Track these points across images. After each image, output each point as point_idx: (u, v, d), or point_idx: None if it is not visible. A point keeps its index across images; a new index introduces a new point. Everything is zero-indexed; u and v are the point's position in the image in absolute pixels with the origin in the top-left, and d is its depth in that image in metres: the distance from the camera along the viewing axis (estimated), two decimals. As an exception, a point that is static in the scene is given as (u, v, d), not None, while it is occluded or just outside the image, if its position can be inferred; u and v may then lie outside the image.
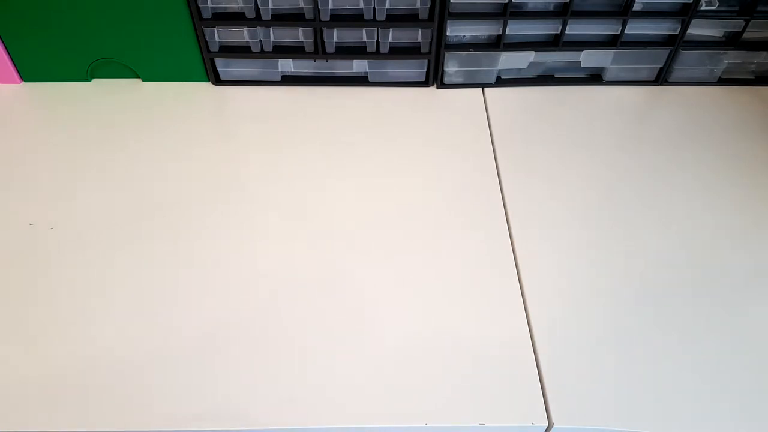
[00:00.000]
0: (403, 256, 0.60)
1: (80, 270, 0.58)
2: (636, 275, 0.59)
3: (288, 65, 0.77)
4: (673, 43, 0.75)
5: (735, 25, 0.74)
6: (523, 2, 0.71)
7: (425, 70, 0.77)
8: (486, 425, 0.49)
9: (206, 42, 0.73)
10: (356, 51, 0.75)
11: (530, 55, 0.76)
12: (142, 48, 0.75)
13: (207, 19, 0.71)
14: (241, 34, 0.72)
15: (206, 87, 0.78)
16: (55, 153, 0.69)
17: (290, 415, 0.49)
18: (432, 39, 0.73)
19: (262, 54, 0.75)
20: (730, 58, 0.77)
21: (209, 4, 0.70)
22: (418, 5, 0.70)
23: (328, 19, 0.71)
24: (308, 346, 0.53)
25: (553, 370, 0.51)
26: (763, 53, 0.76)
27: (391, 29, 0.72)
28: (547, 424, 0.49)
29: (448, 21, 0.71)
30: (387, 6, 0.70)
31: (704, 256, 0.60)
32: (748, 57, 0.77)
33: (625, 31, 0.73)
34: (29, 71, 0.77)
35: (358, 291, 0.57)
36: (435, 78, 0.78)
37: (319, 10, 0.70)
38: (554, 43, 0.74)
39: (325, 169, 0.68)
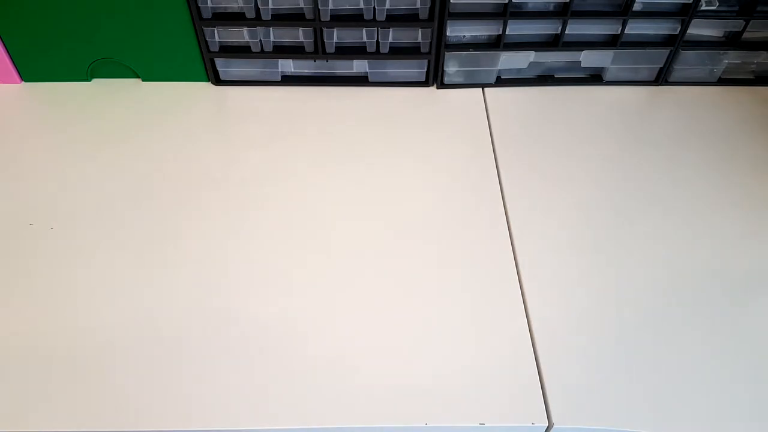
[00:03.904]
0: (402, 256, 0.60)
1: (80, 270, 0.58)
2: (636, 275, 0.59)
3: (288, 65, 0.77)
4: (673, 43, 0.75)
5: (735, 25, 0.74)
6: (523, 2, 0.71)
7: (425, 70, 0.77)
8: (486, 425, 0.49)
9: (206, 42, 0.73)
10: (356, 51, 0.75)
11: (530, 55, 0.76)
12: (142, 48, 0.75)
13: (207, 19, 0.71)
14: (241, 34, 0.72)
15: (206, 87, 0.78)
16: (56, 153, 0.69)
17: (290, 415, 0.49)
18: (432, 39, 0.73)
19: (262, 54, 0.75)
20: (730, 58, 0.77)
21: (209, 4, 0.70)
22: (418, 5, 0.70)
23: (328, 19, 0.71)
24: (307, 346, 0.53)
25: (553, 370, 0.51)
26: (763, 53, 0.76)
27: (391, 29, 0.72)
28: (547, 424, 0.49)
29: (448, 21, 0.71)
30: (387, 6, 0.70)
31: (705, 256, 0.60)
32: (748, 57, 0.77)
33: (625, 31, 0.73)
34: (29, 71, 0.77)
35: (358, 290, 0.57)
36: (435, 78, 0.78)
37: (319, 10, 0.70)
38: (554, 43, 0.74)
39: (325, 169, 0.68)
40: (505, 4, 0.70)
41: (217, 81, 0.78)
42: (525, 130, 0.73)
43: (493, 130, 0.73)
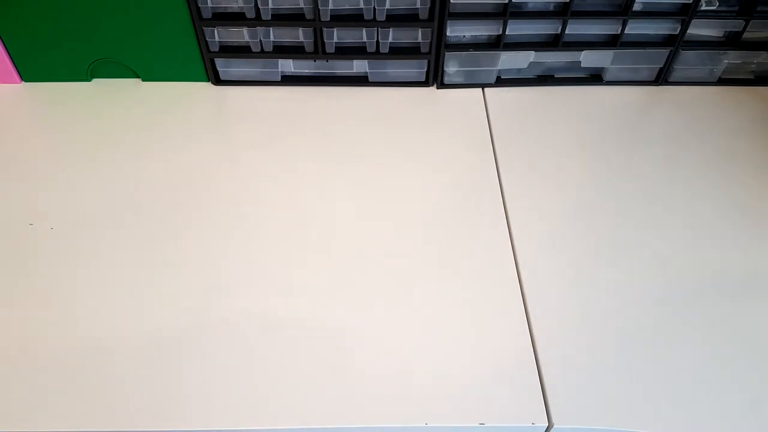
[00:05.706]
0: (403, 256, 0.60)
1: (80, 270, 0.58)
2: (636, 275, 0.59)
3: (288, 65, 0.77)
4: (673, 43, 0.75)
5: (735, 25, 0.74)
6: (523, 2, 0.71)
7: (425, 70, 0.77)
8: (486, 425, 0.49)
9: (206, 42, 0.73)
10: (356, 51, 0.75)
11: (530, 55, 0.76)
12: (142, 48, 0.75)
13: (207, 19, 0.71)
14: (241, 34, 0.72)
15: (206, 87, 0.78)
16: (55, 153, 0.69)
17: (290, 415, 0.49)
18: (432, 39, 0.73)
19: (262, 54, 0.75)
20: (730, 58, 0.77)
21: (209, 4, 0.70)
22: (418, 5, 0.70)
23: (328, 19, 0.71)
24: (307, 346, 0.53)
25: (553, 370, 0.51)
26: (763, 53, 0.76)
27: (391, 29, 0.72)
28: (547, 424, 0.49)
29: (448, 21, 0.71)
30: (387, 6, 0.70)
31: (704, 256, 0.60)
32: (748, 57, 0.77)
33: (625, 31, 0.73)
34: (29, 71, 0.77)
35: (358, 290, 0.57)
36: (435, 78, 0.78)
37: (319, 10, 0.70)
38: (554, 43, 0.74)
39: (324, 169, 0.68)
40: (505, 4, 0.70)
41: (217, 81, 0.78)
42: (525, 130, 0.73)
43: (493, 130, 0.73)
